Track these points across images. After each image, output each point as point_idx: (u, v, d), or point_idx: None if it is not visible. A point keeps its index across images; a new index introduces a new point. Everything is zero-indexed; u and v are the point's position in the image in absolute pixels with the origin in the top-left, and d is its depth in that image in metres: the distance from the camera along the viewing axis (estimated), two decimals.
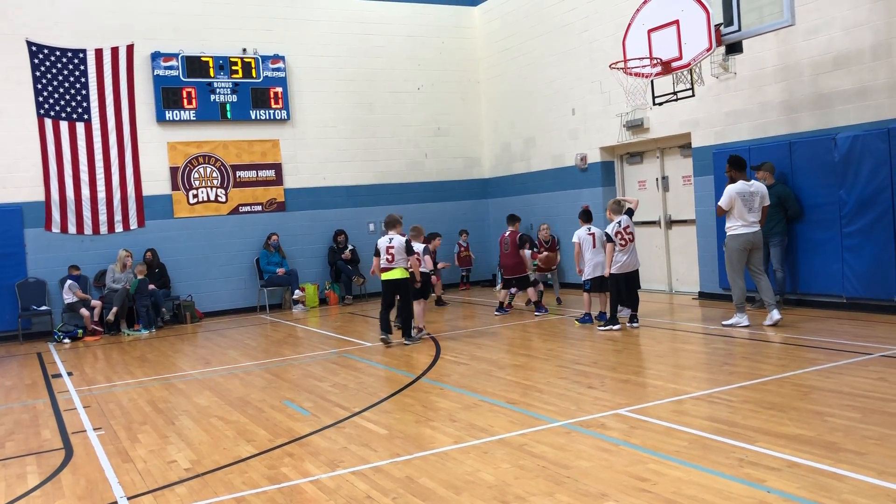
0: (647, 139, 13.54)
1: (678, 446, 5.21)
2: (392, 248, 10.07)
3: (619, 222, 10.22)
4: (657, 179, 13.80)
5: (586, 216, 11.13)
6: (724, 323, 9.78)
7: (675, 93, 10.51)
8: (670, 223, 13.62)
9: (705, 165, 12.24)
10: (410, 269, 10.18)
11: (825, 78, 10.33)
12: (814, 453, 4.87)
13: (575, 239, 11.01)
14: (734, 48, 10.07)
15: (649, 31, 10.33)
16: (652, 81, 10.72)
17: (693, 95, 10.53)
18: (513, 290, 12.50)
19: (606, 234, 10.36)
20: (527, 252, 12.12)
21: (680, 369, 7.76)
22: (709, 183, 12.14)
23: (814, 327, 9.23)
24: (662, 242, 13.74)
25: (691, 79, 10.31)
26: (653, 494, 4.39)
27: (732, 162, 9.73)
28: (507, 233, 12.25)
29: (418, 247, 11.28)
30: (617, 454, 5.15)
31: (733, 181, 9.57)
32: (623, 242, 10.18)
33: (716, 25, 9.66)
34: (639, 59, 10.41)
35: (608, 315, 10.42)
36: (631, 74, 10.66)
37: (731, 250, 9.62)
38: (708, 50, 9.67)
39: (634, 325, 10.23)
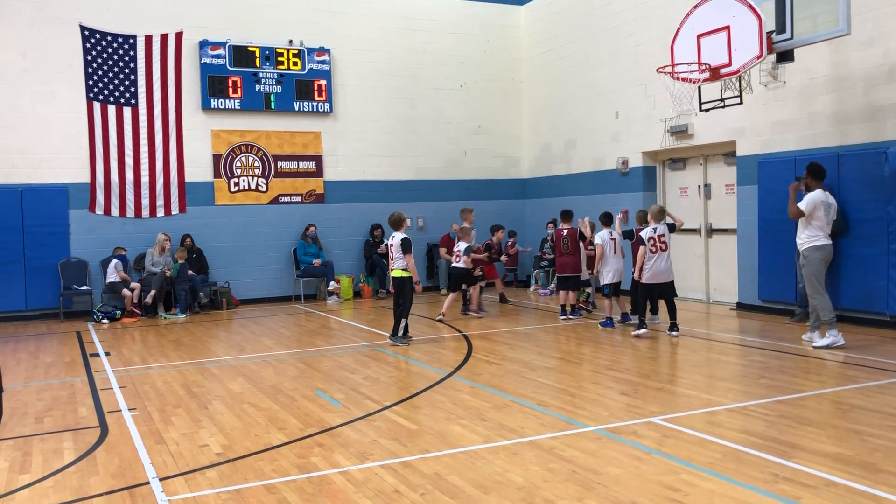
0: (690, 145, 13.37)
1: (712, 458, 5.13)
2: (392, 245, 10.07)
3: (656, 229, 10.13)
4: (699, 187, 13.62)
5: (607, 219, 11.13)
6: (815, 345, 8.95)
7: (722, 100, 10.35)
8: (711, 232, 13.43)
9: (749, 174, 12.04)
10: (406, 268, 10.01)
11: (878, 90, 10.09)
12: (852, 473, 4.76)
13: (598, 241, 10.99)
14: (785, 56, 9.88)
15: (699, 36, 10.18)
16: (699, 87, 10.58)
17: (741, 103, 10.36)
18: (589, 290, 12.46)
19: (640, 238, 10.25)
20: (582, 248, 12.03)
21: (715, 380, 7.65)
22: (752, 192, 11.95)
23: (855, 344, 9.02)
24: (702, 251, 13.56)
25: (739, 86, 10.14)
26: None
27: (812, 169, 9.20)
28: (566, 230, 11.86)
29: (461, 245, 12.08)
30: (649, 463, 5.09)
31: (809, 189, 9.12)
32: (654, 249, 10.06)
33: (767, 33, 9.48)
34: (687, 63, 10.27)
35: (633, 317, 10.43)
36: (678, 79, 10.52)
37: (815, 262, 8.98)
38: (758, 57, 9.50)
39: (674, 333, 10.08)
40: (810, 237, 9.02)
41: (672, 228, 10.39)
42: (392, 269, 10.18)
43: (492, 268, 13.89)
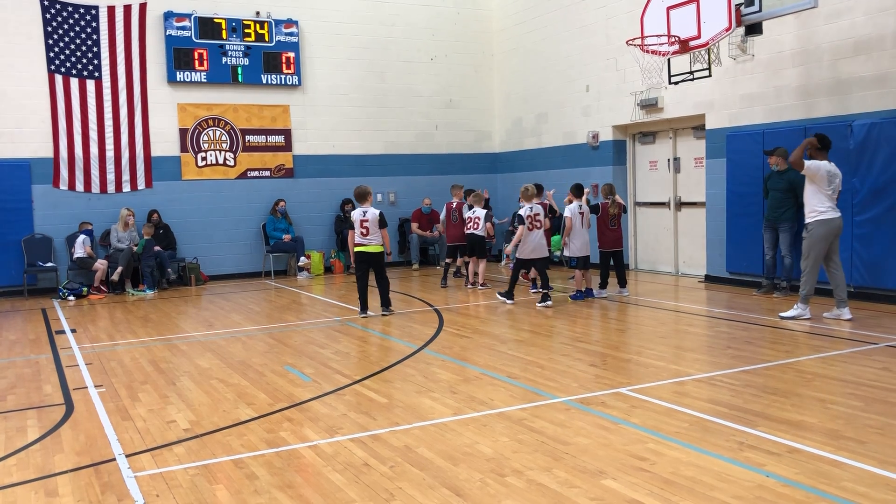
0: (660, 119, 13.41)
1: (678, 427, 5.19)
2: (366, 221, 9.97)
3: (532, 208, 10.79)
4: (669, 160, 13.69)
5: (578, 191, 11.23)
6: (782, 315, 8.99)
7: (691, 72, 10.38)
8: (680, 205, 13.53)
9: (718, 148, 12.12)
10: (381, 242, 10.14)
11: (844, 63, 10.18)
12: (815, 440, 4.85)
13: (567, 214, 11.07)
14: (753, 29, 9.91)
15: (668, 9, 10.17)
16: (668, 60, 10.59)
17: (710, 76, 10.40)
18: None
19: (519, 217, 10.80)
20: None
21: (683, 351, 7.73)
22: (721, 165, 12.04)
23: (819, 315, 9.16)
24: (671, 224, 13.66)
25: (709, 59, 10.17)
26: (651, 474, 4.38)
27: (818, 139, 8.81)
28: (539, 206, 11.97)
29: (480, 212, 12.31)
30: (616, 432, 5.14)
31: (811, 159, 8.76)
32: (531, 227, 10.71)
33: (736, 5, 9.51)
34: (656, 36, 10.27)
35: (598, 292, 11.22)
36: (648, 52, 10.52)
37: (816, 238, 8.68)
38: (727, 30, 9.53)
39: (548, 296, 10.65)
40: (816, 209, 8.69)
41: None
42: (366, 245, 10.00)
43: None
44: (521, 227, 10.67)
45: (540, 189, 11.94)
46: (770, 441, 4.86)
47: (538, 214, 10.79)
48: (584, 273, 11.14)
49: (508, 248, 10.86)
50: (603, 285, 11.43)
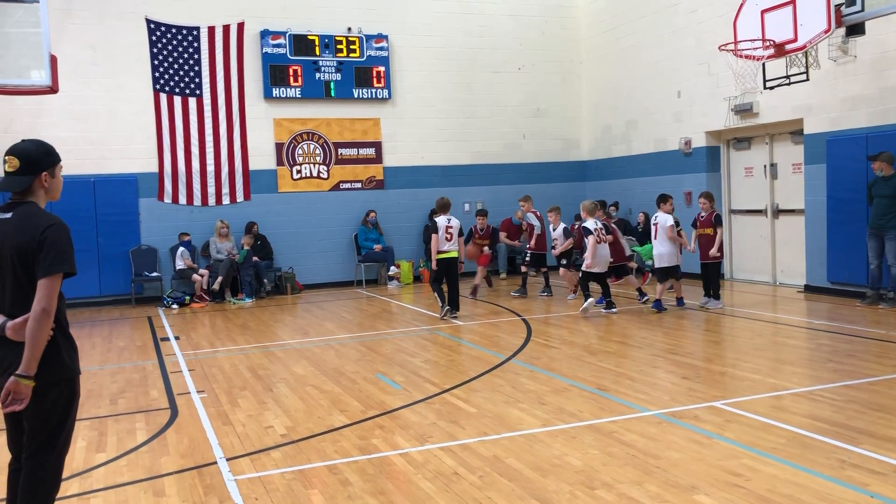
0: (755, 124, 13.02)
1: (775, 443, 5.04)
2: (451, 227, 10.87)
3: (596, 221, 10.94)
4: (765, 166, 13.27)
5: (664, 200, 10.97)
6: None
7: (787, 76, 10.06)
8: (777, 212, 13.09)
9: (818, 153, 11.67)
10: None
11: None
12: None
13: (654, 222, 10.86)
14: (855, 30, 9.53)
15: (763, 12, 9.90)
16: (763, 64, 10.31)
17: (807, 80, 10.05)
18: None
19: (586, 229, 10.83)
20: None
21: (780, 364, 7.48)
22: (821, 171, 11.59)
23: None
24: (768, 232, 13.22)
25: (806, 62, 9.84)
26: (746, 490, 4.27)
27: None
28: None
29: (560, 229, 12.27)
30: (710, 447, 5.03)
31: None
32: (597, 240, 10.77)
33: (836, 5, 9.16)
34: (750, 40, 10.00)
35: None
36: (741, 57, 10.26)
37: None
38: (826, 31, 9.19)
39: (613, 310, 10.79)
40: None
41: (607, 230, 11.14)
42: (448, 252, 10.84)
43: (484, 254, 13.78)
44: (591, 239, 10.73)
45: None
46: (875, 460, 4.66)
47: (601, 229, 10.95)
48: (663, 284, 10.85)
49: (588, 262, 10.84)
50: (707, 294, 11.04)
